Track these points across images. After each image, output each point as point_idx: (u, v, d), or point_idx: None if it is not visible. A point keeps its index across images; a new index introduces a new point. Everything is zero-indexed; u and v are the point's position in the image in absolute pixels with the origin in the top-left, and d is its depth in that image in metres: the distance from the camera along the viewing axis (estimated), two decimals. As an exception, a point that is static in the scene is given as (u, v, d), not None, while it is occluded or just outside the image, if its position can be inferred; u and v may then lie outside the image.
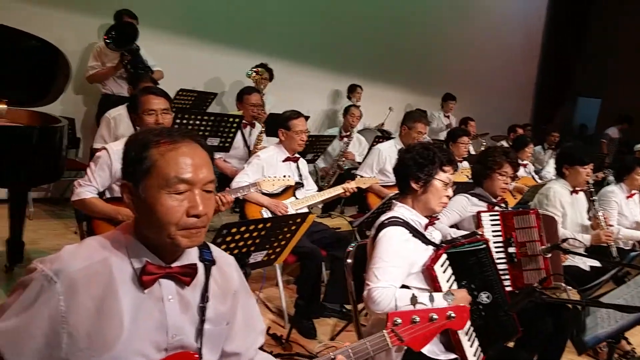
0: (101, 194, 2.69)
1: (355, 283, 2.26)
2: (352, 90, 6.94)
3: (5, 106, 3.50)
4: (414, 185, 2.10)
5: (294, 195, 3.51)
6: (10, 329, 1.13)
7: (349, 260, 2.24)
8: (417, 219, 2.11)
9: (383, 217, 2.09)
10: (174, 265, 1.24)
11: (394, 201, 2.19)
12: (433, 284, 1.99)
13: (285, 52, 6.67)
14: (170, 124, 2.76)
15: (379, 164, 4.07)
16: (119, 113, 3.98)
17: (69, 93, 4.76)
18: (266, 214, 3.33)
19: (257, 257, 2.43)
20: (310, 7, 6.99)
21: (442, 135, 6.83)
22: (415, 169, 2.09)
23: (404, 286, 1.98)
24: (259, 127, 4.50)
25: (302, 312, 3.23)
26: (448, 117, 7.75)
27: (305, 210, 3.51)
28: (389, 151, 4.10)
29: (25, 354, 1.13)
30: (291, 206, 3.43)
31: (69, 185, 5.27)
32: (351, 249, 2.28)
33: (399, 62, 8.17)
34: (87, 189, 2.60)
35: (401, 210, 2.12)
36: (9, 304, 1.15)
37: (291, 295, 3.62)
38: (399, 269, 1.96)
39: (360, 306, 2.33)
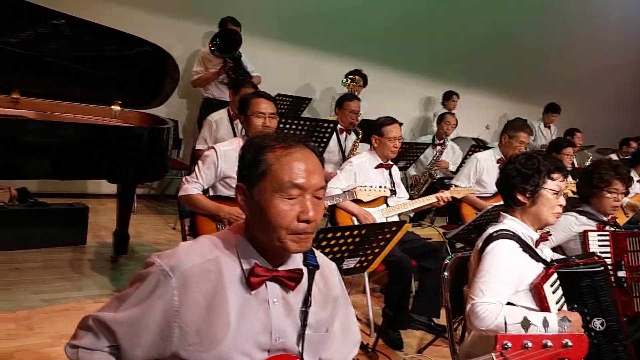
0: (205, 192, 2.82)
1: (452, 297, 2.17)
2: (448, 97, 6.74)
3: (119, 108, 3.79)
4: (520, 198, 1.98)
5: (386, 203, 3.46)
6: (128, 319, 1.19)
7: (445, 274, 2.16)
8: (528, 233, 1.99)
9: (491, 230, 1.98)
10: (280, 268, 1.25)
11: (502, 213, 2.08)
12: (541, 304, 1.86)
13: (378, 57, 6.64)
14: (275, 127, 2.85)
15: (476, 174, 3.90)
16: (220, 117, 4.19)
17: (174, 96, 5.01)
18: (356, 222, 3.31)
19: (350, 263, 2.42)
20: (405, 12, 6.90)
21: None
22: (520, 180, 1.97)
23: (509, 304, 1.87)
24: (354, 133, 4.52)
25: (389, 322, 3.17)
26: (549, 127, 7.31)
27: (396, 218, 3.45)
28: (487, 161, 3.92)
29: (140, 343, 1.18)
30: (382, 213, 3.39)
31: (170, 183, 5.61)
32: (448, 261, 2.19)
33: (496, 69, 7.84)
34: (193, 186, 2.75)
35: (510, 223, 2.00)
36: (128, 295, 1.21)
37: (376, 303, 3.58)
38: (507, 284, 1.85)
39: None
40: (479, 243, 1.99)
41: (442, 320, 3.35)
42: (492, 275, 1.84)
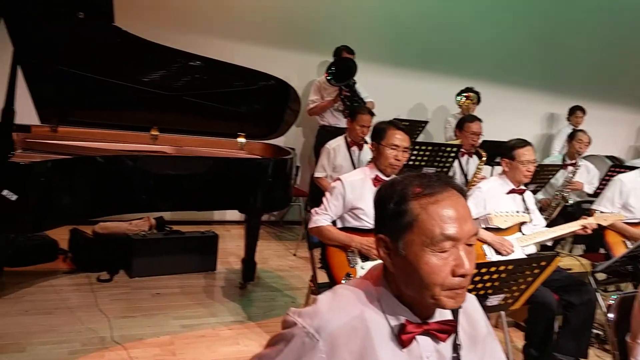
0: (333, 223, 2.82)
1: (618, 341, 1.92)
2: (572, 112, 6.26)
3: (244, 139, 3.95)
4: None
5: (520, 231, 3.22)
6: None
7: (610, 315, 1.92)
8: None
9: None
10: (431, 321, 1.15)
11: None
12: None
13: (490, 74, 6.36)
14: (406, 160, 2.79)
15: (621, 198, 3.52)
16: (338, 144, 4.23)
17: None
18: (489, 251, 3.12)
19: (494, 300, 2.26)
20: (515, 25, 6.55)
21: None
22: None
23: None
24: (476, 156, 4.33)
25: (532, 361, 2.92)
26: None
27: (533, 247, 3.20)
28: (634, 182, 3.53)
29: None
30: (517, 242, 3.15)
31: (288, 209, 5.73)
32: (612, 301, 1.96)
33: (627, 78, 7.16)
34: (323, 217, 2.77)
35: None
36: (271, 357, 1.15)
37: (512, 340, 3.32)
38: None
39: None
40: None
41: (591, 361, 3.04)
42: None
